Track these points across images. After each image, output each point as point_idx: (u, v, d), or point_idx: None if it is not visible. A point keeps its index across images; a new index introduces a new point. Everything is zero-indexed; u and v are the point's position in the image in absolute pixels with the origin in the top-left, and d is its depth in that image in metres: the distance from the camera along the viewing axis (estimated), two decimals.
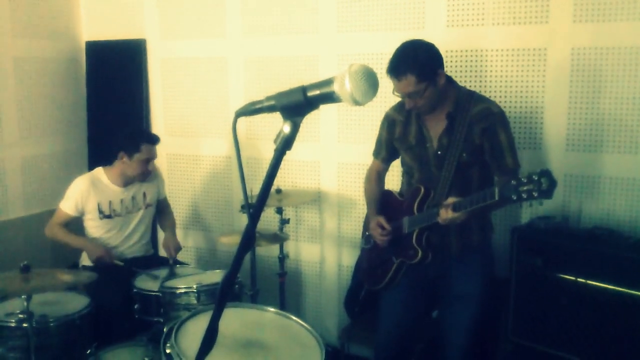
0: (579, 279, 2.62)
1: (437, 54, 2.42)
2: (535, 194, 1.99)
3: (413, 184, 2.59)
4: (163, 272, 3.22)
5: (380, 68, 3.34)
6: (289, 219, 3.43)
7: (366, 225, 2.83)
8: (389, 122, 2.68)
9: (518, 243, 2.81)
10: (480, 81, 3.13)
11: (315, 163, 3.67)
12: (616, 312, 2.53)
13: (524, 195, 2.01)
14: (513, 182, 2.04)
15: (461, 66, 3.16)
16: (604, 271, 2.56)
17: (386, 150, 2.74)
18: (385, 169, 2.83)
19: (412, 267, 2.53)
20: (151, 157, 3.36)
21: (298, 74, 3.60)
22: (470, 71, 3.15)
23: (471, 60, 3.14)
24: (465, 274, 2.58)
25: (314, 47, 3.56)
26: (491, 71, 3.12)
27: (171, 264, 3.31)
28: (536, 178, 1.99)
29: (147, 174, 3.41)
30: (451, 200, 2.29)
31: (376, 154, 2.80)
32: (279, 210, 3.37)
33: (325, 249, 3.75)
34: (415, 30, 3.25)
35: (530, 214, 3.00)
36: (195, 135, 4.03)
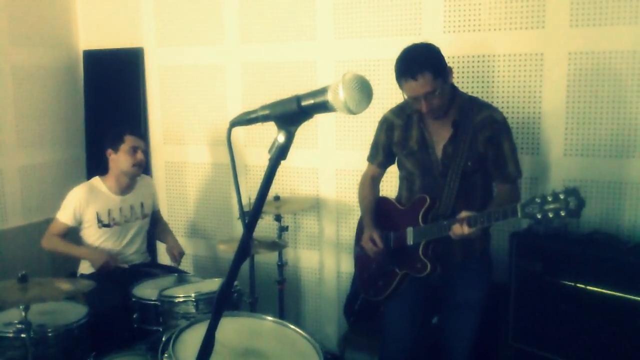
0: (578, 284, 2.62)
1: (441, 53, 2.38)
2: (563, 214, 1.91)
3: (415, 191, 2.54)
4: (169, 279, 3.20)
5: (377, 74, 3.37)
6: (287, 226, 3.43)
7: (359, 233, 2.77)
8: (387, 126, 2.60)
9: (517, 248, 2.81)
10: (477, 87, 3.13)
11: (313, 170, 3.67)
12: (616, 316, 2.52)
13: (551, 215, 1.94)
14: (537, 199, 1.97)
15: (458, 72, 3.15)
16: (604, 276, 2.56)
17: (383, 155, 2.66)
18: (381, 175, 2.76)
19: (416, 277, 2.49)
20: (137, 146, 3.35)
21: (295, 80, 3.61)
22: (468, 77, 3.15)
23: (468, 66, 3.15)
24: (467, 281, 2.56)
25: (311, 53, 3.56)
26: (488, 77, 3.12)
27: (176, 269, 3.32)
28: (562, 197, 1.92)
29: (141, 164, 3.37)
30: (465, 214, 2.21)
31: (372, 158, 2.72)
32: (278, 218, 3.36)
33: (324, 255, 3.75)
34: (412, 36, 3.25)
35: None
36: (194, 142, 4.03)
